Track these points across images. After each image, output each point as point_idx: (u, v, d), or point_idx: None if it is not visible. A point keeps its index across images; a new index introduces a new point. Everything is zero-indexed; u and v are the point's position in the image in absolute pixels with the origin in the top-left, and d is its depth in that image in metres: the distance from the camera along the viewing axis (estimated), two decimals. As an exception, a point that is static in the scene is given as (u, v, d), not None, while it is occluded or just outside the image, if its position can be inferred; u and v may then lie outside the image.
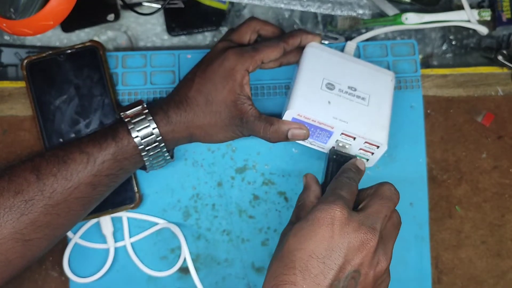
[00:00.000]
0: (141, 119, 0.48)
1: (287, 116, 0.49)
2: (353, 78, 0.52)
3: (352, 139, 0.50)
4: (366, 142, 0.50)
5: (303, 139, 0.50)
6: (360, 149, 0.50)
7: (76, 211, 0.48)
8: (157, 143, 0.49)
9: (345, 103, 0.50)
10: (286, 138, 0.49)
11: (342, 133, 0.49)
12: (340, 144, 0.50)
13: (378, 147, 0.50)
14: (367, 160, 0.52)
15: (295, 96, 0.50)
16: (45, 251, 0.48)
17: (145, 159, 0.49)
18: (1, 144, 0.56)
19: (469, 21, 0.58)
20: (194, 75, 0.51)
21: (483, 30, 0.57)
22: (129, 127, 0.48)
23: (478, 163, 0.56)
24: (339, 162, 0.50)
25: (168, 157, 0.51)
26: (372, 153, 0.51)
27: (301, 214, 0.46)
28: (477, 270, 0.55)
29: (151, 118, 0.48)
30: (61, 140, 0.54)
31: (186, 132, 0.50)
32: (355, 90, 0.51)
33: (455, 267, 0.55)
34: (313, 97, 0.50)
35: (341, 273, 0.39)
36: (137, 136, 0.48)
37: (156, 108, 0.50)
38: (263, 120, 0.49)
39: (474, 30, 0.59)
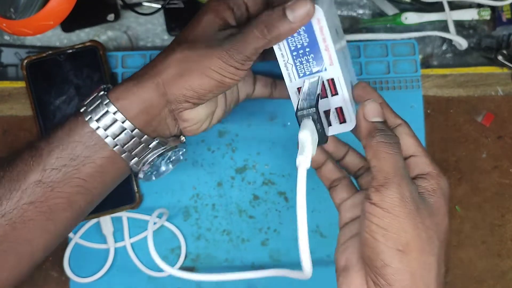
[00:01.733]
0: (98, 104, 0.40)
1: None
2: (344, 43, 0.45)
3: (331, 94, 0.41)
4: (339, 109, 0.41)
5: (306, 19, 0.38)
6: (326, 111, 0.41)
7: (36, 221, 0.40)
8: (125, 129, 0.40)
9: (341, 57, 0.42)
10: (286, 22, 0.38)
11: (330, 79, 0.40)
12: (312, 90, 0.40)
13: (344, 122, 0.42)
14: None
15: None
16: (17, 270, 0.41)
17: (131, 162, 0.42)
18: (1, 144, 0.56)
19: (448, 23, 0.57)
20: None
21: (462, 42, 0.56)
22: (86, 119, 0.40)
23: (478, 163, 0.56)
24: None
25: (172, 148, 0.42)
26: (330, 125, 0.42)
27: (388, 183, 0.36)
28: (477, 270, 0.55)
29: (108, 101, 0.40)
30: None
31: (161, 99, 0.40)
32: (345, 58, 0.44)
33: (455, 267, 0.55)
34: (331, 20, 0.40)
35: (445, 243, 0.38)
36: (98, 128, 0.40)
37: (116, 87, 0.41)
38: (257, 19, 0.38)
39: (474, 30, 0.59)
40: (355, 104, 0.43)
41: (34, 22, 0.48)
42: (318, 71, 0.40)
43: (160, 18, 0.59)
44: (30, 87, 0.54)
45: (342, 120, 0.41)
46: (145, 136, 0.41)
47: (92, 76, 0.55)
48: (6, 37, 0.59)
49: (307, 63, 0.40)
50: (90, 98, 0.41)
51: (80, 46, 0.55)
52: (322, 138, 0.39)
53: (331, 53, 0.39)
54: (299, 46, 0.40)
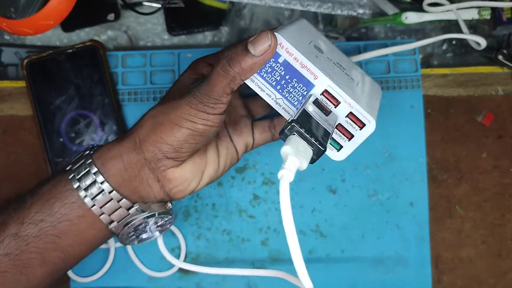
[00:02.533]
0: (81, 163, 0.40)
1: None
2: (342, 61, 0.44)
3: (334, 105, 0.38)
4: (350, 115, 0.38)
5: (269, 53, 0.36)
6: (338, 125, 0.39)
7: (9, 274, 0.39)
8: (103, 191, 0.39)
9: (333, 69, 0.40)
10: (250, 57, 0.36)
11: (324, 92, 0.38)
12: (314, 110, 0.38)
13: (363, 126, 0.38)
14: (339, 149, 0.40)
15: (285, 27, 0.39)
16: None
17: (111, 226, 0.41)
18: (1, 144, 0.56)
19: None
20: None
21: (481, 41, 0.56)
22: (69, 177, 0.40)
23: (478, 162, 0.56)
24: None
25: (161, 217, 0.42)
26: (351, 137, 0.39)
27: None
28: (477, 270, 0.55)
29: (90, 160, 0.40)
30: (61, 140, 0.54)
31: (139, 157, 0.40)
32: (344, 69, 0.42)
33: (455, 267, 0.55)
34: (301, 40, 0.39)
35: None
36: (79, 187, 0.39)
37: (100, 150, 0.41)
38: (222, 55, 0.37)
39: (475, 29, 0.59)
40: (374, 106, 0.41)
41: (34, 22, 0.48)
42: (308, 91, 0.38)
43: (160, 18, 0.59)
44: (30, 87, 0.54)
45: (361, 125, 0.39)
46: (124, 199, 0.40)
47: (92, 76, 0.55)
48: (6, 37, 0.59)
49: (295, 89, 0.38)
50: (77, 157, 0.41)
51: (80, 45, 0.55)
52: (318, 149, 0.36)
53: (310, 68, 0.37)
54: (278, 78, 0.38)
